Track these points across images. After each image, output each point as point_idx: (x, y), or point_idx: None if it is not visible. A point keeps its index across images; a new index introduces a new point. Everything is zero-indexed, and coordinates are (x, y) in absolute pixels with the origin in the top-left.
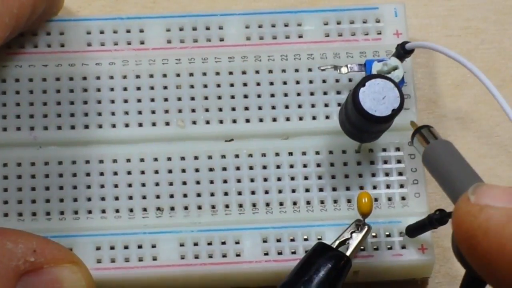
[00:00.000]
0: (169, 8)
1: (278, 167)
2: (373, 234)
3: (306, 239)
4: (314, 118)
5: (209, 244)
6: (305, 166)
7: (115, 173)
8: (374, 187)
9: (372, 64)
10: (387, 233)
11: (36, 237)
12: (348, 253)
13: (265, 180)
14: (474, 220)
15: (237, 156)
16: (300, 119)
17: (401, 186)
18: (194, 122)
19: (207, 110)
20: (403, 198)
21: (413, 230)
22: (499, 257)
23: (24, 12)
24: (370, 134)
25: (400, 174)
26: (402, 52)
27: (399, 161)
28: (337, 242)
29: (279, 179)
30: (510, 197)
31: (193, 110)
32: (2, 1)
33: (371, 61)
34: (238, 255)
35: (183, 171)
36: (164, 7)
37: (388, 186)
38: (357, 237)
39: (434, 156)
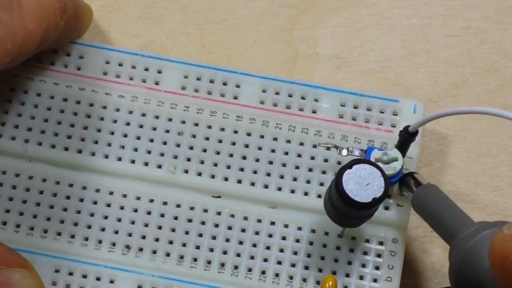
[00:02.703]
0: (168, 8)
1: (256, 233)
2: None
3: None
4: (306, 194)
5: None
6: (283, 238)
7: (95, 203)
8: (347, 275)
9: (372, 152)
10: None
11: None
12: None
13: (240, 243)
14: (507, 244)
15: (219, 213)
16: (292, 191)
17: (374, 280)
18: (186, 171)
19: (202, 162)
20: None
21: None
22: None
23: (30, 42)
24: (349, 219)
25: (377, 268)
26: (407, 136)
27: (379, 255)
28: None
29: (254, 245)
30: None
31: (188, 159)
32: (6, 27)
33: (372, 148)
34: None
35: (162, 215)
36: (164, 7)
37: (361, 277)
38: None
39: (423, 201)
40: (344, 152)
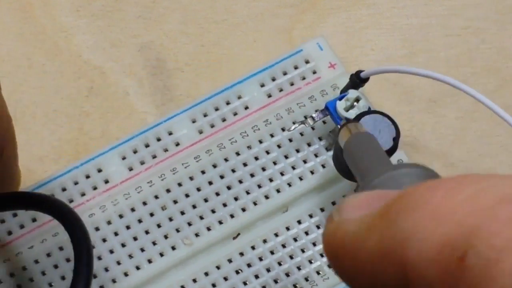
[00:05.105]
0: (169, 7)
1: (283, 246)
2: None
3: None
4: (301, 178)
5: None
6: (306, 233)
7: None
8: None
9: (336, 105)
10: None
11: None
12: None
13: (280, 264)
14: (334, 240)
15: (252, 247)
16: (289, 185)
17: None
18: (197, 235)
19: (201, 217)
20: None
21: None
22: (359, 279)
23: None
24: None
25: None
26: (358, 81)
27: None
28: None
29: (291, 257)
30: (370, 201)
31: (189, 224)
32: None
33: (332, 102)
34: None
35: (214, 285)
36: (164, 7)
37: None
38: None
39: (352, 147)
40: (310, 121)
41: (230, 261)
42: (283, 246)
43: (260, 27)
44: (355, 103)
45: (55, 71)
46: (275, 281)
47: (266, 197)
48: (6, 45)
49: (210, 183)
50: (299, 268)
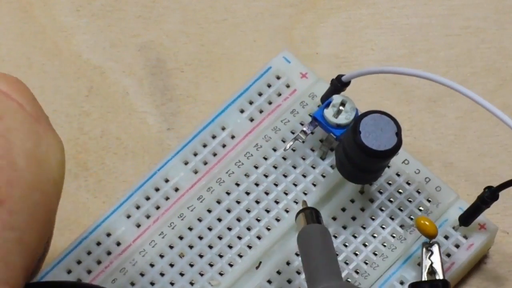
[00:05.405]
0: (168, 7)
1: None
2: None
3: None
4: (305, 193)
5: None
6: None
7: None
8: (400, 209)
9: (323, 113)
10: (445, 235)
11: None
12: (442, 277)
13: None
14: None
15: (269, 282)
16: (295, 202)
17: (418, 192)
18: (221, 274)
19: (220, 256)
20: (429, 201)
21: (468, 218)
22: None
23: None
24: (377, 171)
25: (408, 183)
26: (340, 85)
27: (398, 174)
28: (425, 274)
29: None
30: None
31: (211, 265)
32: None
33: (318, 112)
34: None
35: None
36: (164, 6)
37: (409, 200)
38: (436, 258)
39: (307, 239)
40: (303, 136)
41: None
42: None
43: (260, 27)
44: (341, 107)
45: (55, 71)
46: None
47: (277, 219)
48: (6, 45)
49: (219, 220)
50: None
